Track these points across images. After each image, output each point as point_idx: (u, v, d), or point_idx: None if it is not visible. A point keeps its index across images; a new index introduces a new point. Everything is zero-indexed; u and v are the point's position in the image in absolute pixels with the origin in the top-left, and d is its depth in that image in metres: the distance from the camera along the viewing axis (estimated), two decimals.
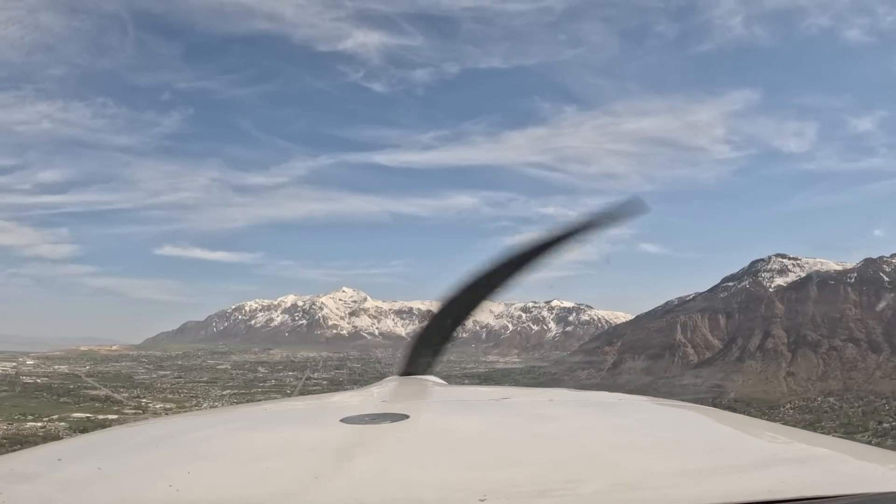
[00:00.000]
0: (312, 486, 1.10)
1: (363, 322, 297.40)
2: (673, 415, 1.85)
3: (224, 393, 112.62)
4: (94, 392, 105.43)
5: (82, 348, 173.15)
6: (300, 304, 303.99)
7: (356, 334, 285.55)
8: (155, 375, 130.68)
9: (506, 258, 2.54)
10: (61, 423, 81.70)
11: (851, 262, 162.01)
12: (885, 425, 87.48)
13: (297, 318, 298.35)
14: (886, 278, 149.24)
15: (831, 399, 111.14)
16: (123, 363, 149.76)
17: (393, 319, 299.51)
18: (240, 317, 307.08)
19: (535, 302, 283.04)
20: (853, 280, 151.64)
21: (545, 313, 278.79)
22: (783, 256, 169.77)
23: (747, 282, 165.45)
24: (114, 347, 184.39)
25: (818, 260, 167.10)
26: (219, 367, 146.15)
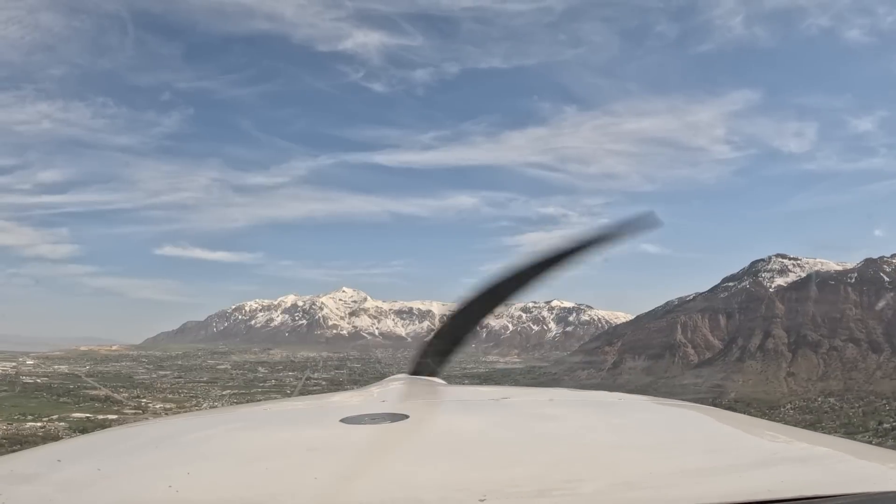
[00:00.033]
0: (312, 486, 1.10)
1: (363, 322, 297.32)
2: (673, 414, 1.85)
3: (224, 393, 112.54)
4: (93, 392, 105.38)
5: (82, 348, 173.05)
6: (300, 304, 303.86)
7: (356, 334, 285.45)
8: (155, 375, 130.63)
9: (520, 266, 2.60)
10: (61, 423, 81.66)
11: (852, 262, 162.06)
12: (885, 426, 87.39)
13: (297, 318, 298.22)
14: (887, 278, 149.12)
15: (832, 399, 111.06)
16: (123, 363, 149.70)
17: (393, 319, 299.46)
18: (240, 317, 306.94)
19: (535, 302, 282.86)
20: (853, 280, 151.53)
21: (545, 313, 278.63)
22: (783, 256, 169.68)
23: (747, 282, 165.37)
24: (114, 347, 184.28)
25: (818, 260, 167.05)
26: (219, 367, 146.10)
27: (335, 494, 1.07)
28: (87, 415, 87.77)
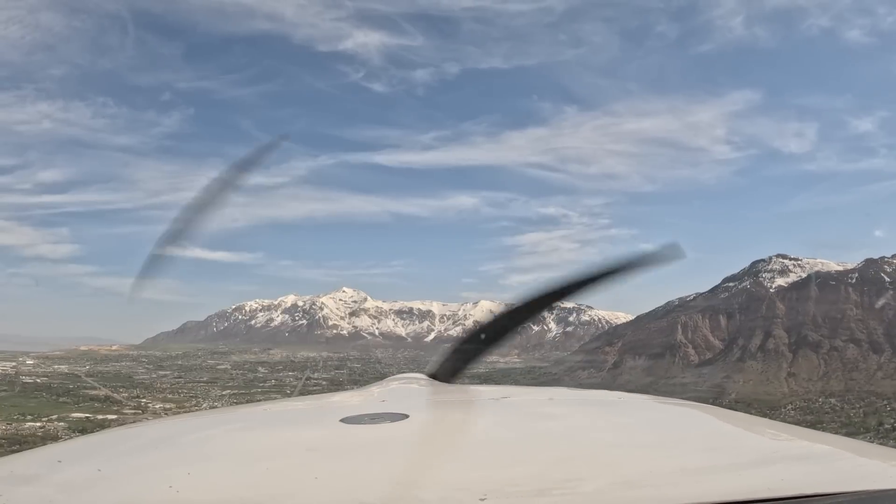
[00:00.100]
0: (312, 486, 1.10)
1: (363, 322, 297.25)
2: (673, 413, 1.85)
3: (224, 393, 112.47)
4: (93, 392, 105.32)
5: (82, 348, 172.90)
6: (300, 304, 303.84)
7: (356, 334, 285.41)
8: (155, 375, 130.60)
9: (547, 289, 2.75)
10: (60, 423, 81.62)
11: (852, 262, 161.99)
12: (886, 426, 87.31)
13: (297, 318, 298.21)
14: (887, 278, 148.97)
15: (832, 400, 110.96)
16: (123, 363, 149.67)
17: (393, 319, 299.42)
18: (240, 317, 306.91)
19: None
20: (854, 280, 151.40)
21: (545, 313, 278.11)
22: (784, 257, 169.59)
23: (748, 282, 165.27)
24: (114, 347, 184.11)
25: (819, 260, 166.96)
26: (219, 367, 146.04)
27: (335, 494, 1.07)
28: (87, 415, 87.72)
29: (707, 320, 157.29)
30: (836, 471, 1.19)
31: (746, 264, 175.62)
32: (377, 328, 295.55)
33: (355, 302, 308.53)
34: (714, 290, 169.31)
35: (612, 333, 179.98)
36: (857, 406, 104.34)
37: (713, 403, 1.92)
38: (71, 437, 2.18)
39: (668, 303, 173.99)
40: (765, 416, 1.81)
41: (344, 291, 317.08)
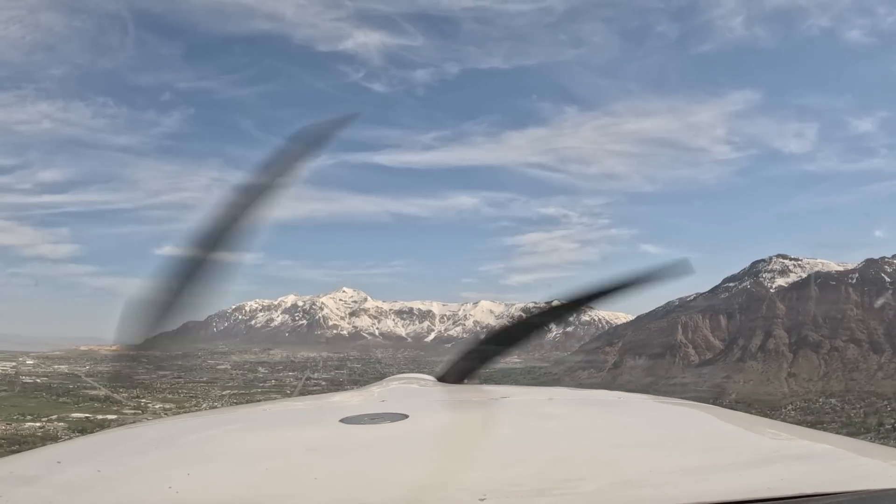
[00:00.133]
0: (312, 487, 1.10)
1: (363, 322, 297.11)
2: (672, 413, 1.85)
3: (224, 393, 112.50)
4: (93, 392, 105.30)
5: (82, 348, 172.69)
6: (300, 304, 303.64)
7: (356, 334, 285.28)
8: (154, 375, 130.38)
9: (564, 300, 2.88)
10: (60, 424, 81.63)
11: (853, 262, 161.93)
12: (886, 426, 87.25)
13: (297, 318, 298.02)
14: (888, 279, 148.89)
15: (833, 400, 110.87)
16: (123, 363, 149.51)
17: (393, 319, 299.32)
18: (240, 317, 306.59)
19: (535, 302, 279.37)
20: (854, 280, 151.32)
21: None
22: (784, 257, 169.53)
23: (748, 282, 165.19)
24: (114, 347, 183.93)
25: (819, 260, 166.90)
26: (219, 367, 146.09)
27: (335, 494, 1.07)
28: (87, 415, 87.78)
29: (707, 320, 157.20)
30: (836, 470, 1.19)
31: (747, 264, 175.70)
32: (377, 328, 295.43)
33: (355, 302, 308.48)
34: (714, 291, 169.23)
35: (613, 333, 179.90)
36: (858, 406, 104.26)
37: (713, 404, 1.93)
38: (70, 438, 2.18)
39: (668, 303, 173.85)
40: (765, 416, 1.86)
41: (344, 291, 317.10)
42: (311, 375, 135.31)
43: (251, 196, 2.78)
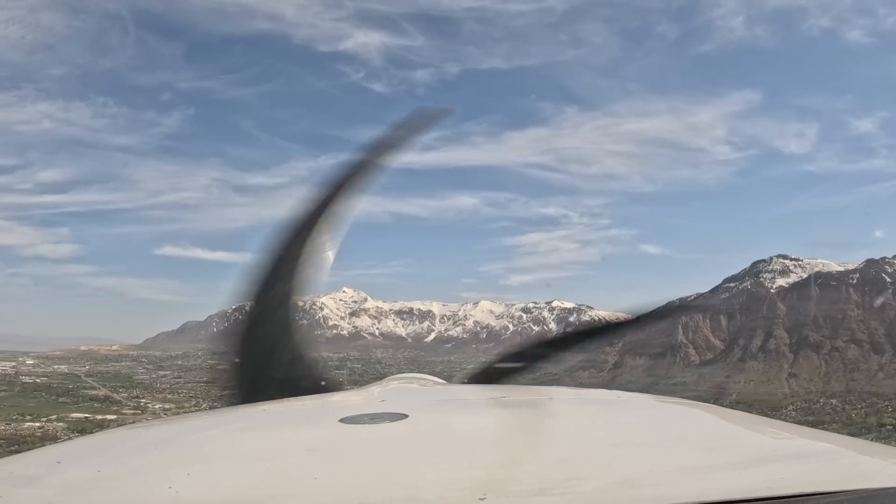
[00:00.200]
0: (312, 487, 1.10)
1: (363, 322, 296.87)
2: (672, 412, 1.85)
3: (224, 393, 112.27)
4: (93, 392, 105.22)
5: (82, 348, 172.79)
6: (300, 304, 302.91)
7: (356, 334, 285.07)
8: (155, 375, 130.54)
9: (587, 326, 2.97)
10: (59, 424, 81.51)
11: (853, 262, 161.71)
12: (888, 427, 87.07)
13: (297, 318, 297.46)
14: (889, 279, 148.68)
15: (833, 401, 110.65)
16: (123, 363, 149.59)
17: (393, 320, 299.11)
18: (240, 317, 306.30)
19: (535, 303, 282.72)
20: (855, 281, 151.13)
21: (546, 314, 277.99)
22: (785, 257, 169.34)
23: (749, 282, 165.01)
24: (114, 347, 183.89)
25: (820, 261, 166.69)
26: (219, 367, 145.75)
27: (335, 494, 1.07)
28: (86, 415, 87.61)
29: (708, 320, 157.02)
30: (836, 469, 1.19)
31: (747, 264, 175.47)
32: (377, 328, 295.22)
33: (355, 302, 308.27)
34: (715, 291, 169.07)
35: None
36: (859, 407, 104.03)
37: (714, 404, 1.93)
38: (70, 438, 2.19)
39: (668, 303, 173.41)
40: (765, 416, 1.86)
41: (344, 291, 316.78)
42: None
43: (342, 184, 2.86)
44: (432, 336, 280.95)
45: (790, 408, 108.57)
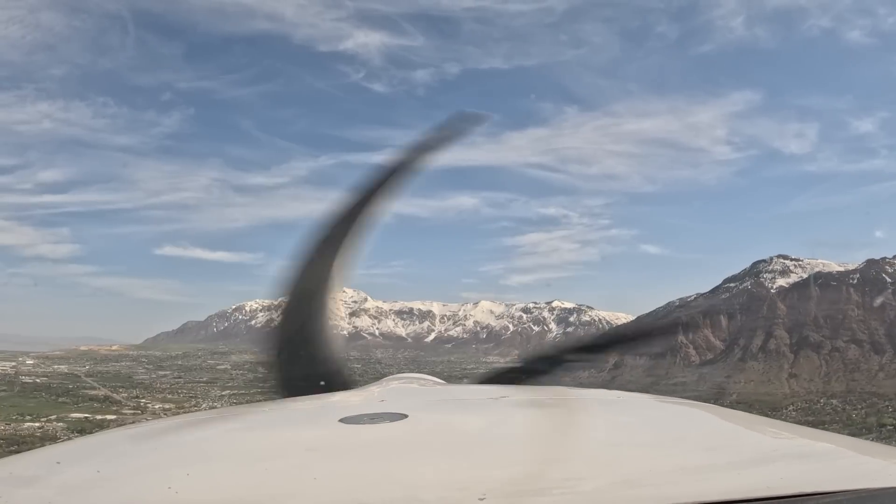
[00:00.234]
0: (312, 487, 1.10)
1: (363, 322, 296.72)
2: (672, 412, 1.85)
3: (224, 393, 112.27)
4: (92, 392, 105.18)
5: (82, 348, 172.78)
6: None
7: (356, 335, 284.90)
8: (154, 375, 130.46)
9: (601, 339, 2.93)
10: (59, 424, 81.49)
11: (853, 262, 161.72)
12: (888, 427, 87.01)
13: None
14: (889, 279, 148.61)
15: (834, 401, 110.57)
16: (123, 363, 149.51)
17: (393, 320, 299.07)
18: (240, 317, 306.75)
19: (535, 303, 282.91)
20: (855, 281, 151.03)
21: (546, 314, 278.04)
22: (785, 257, 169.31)
23: (749, 282, 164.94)
24: (114, 347, 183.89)
25: (820, 261, 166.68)
26: (219, 367, 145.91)
27: (334, 494, 1.07)
28: (86, 415, 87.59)
29: (708, 321, 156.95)
30: (836, 469, 1.19)
31: (747, 265, 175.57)
32: (377, 328, 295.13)
33: (355, 302, 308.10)
34: (715, 291, 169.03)
35: None
36: (859, 407, 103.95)
37: (714, 404, 1.94)
38: (70, 438, 2.19)
39: (668, 303, 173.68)
40: (766, 416, 1.86)
41: (344, 291, 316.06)
42: None
43: (378, 187, 2.98)
44: (432, 336, 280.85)
45: (790, 408, 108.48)
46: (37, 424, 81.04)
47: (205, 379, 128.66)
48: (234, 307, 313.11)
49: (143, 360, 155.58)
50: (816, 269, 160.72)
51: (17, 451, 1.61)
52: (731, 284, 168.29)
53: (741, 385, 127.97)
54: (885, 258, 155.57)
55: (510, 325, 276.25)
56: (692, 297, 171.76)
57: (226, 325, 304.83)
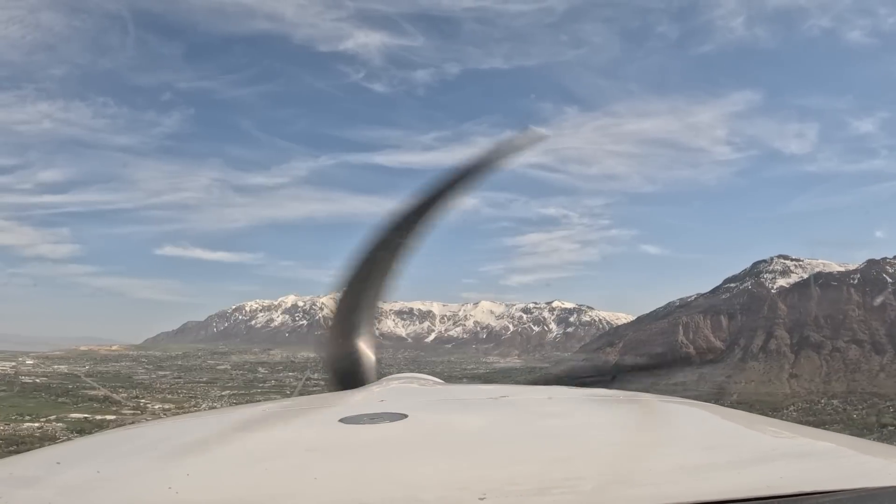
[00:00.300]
0: (312, 487, 1.10)
1: None
2: (671, 411, 1.85)
3: (224, 393, 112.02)
4: (92, 392, 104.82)
5: (82, 348, 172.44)
6: (301, 304, 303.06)
7: None
8: (154, 376, 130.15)
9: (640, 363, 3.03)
10: (59, 424, 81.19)
11: (854, 262, 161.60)
12: (889, 427, 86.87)
13: (297, 318, 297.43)
14: (889, 279, 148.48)
15: (835, 401, 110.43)
16: (123, 363, 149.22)
17: (393, 320, 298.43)
18: (240, 317, 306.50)
19: (535, 303, 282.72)
20: (856, 281, 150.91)
21: (546, 314, 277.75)
22: (785, 257, 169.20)
23: (749, 283, 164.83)
24: (114, 347, 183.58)
25: (820, 261, 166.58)
26: (218, 367, 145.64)
27: (334, 494, 1.07)
28: (86, 415, 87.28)
29: (708, 321, 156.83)
30: (836, 468, 1.19)
31: (748, 265, 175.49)
32: (377, 328, 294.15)
33: None
34: (715, 291, 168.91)
35: (613, 334, 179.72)
36: (860, 407, 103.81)
37: (714, 404, 1.95)
38: (69, 439, 2.20)
39: (669, 303, 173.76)
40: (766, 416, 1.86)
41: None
42: (311, 376, 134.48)
43: (439, 195, 3.09)
44: (432, 336, 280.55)
45: (791, 408, 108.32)
46: (36, 424, 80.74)
47: (205, 379, 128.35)
48: (234, 307, 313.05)
49: (143, 360, 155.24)
50: (817, 270, 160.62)
51: (17, 452, 1.60)
52: (732, 284, 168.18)
53: (742, 385, 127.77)
54: (885, 258, 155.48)
55: (510, 326, 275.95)
56: (692, 297, 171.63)
57: (226, 325, 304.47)
